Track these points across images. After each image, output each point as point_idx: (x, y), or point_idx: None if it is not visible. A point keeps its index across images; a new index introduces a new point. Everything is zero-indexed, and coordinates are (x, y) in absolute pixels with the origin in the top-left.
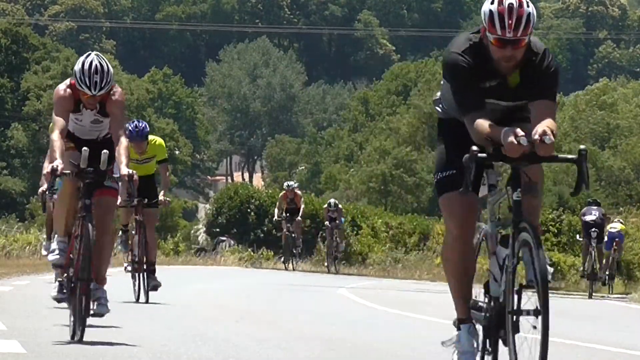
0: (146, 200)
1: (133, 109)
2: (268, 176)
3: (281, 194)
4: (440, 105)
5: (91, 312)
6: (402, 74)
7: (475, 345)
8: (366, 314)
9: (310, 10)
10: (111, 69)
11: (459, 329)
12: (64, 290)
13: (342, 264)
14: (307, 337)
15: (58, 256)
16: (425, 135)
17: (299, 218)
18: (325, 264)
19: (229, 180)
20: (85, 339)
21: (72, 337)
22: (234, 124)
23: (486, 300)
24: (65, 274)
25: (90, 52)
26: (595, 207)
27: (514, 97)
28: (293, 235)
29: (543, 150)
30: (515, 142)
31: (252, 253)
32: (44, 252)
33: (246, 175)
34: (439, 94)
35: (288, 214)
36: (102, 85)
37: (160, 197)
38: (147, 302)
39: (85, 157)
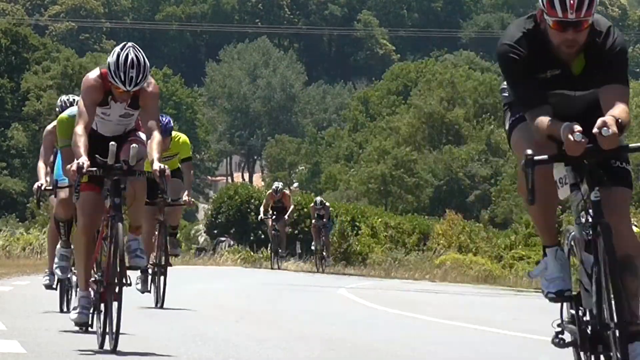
0: (169, 199)
1: None
2: (268, 176)
3: (268, 193)
4: (507, 94)
5: (127, 264)
6: (402, 73)
7: (564, 270)
8: (366, 314)
9: (310, 10)
10: (147, 63)
11: (544, 255)
12: (85, 310)
13: (342, 263)
14: (307, 337)
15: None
16: (426, 135)
17: (285, 217)
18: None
19: (229, 180)
20: (84, 338)
21: (101, 346)
22: (233, 124)
23: (580, 313)
24: (93, 279)
25: (126, 42)
26: None
27: (582, 85)
28: (278, 234)
29: (605, 143)
30: (572, 139)
31: (251, 253)
32: (45, 281)
33: (246, 175)
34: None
35: (275, 213)
36: (138, 81)
37: (185, 197)
38: (162, 307)
39: (112, 152)
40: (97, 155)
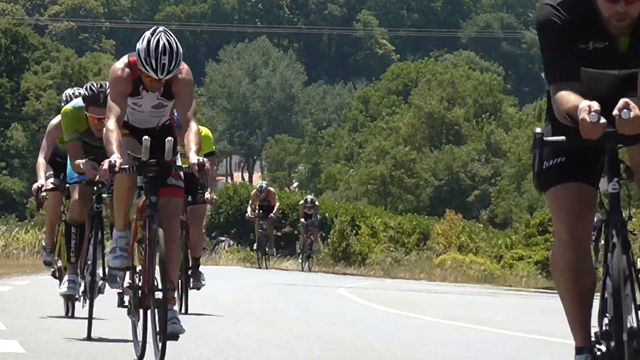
0: (190, 197)
1: None
2: (268, 176)
3: (253, 192)
4: None
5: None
6: (402, 73)
7: None
8: (366, 314)
9: (309, 10)
10: (180, 48)
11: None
12: (124, 252)
13: (341, 263)
14: (307, 337)
15: (67, 289)
16: (425, 135)
17: (271, 215)
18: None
19: (229, 180)
20: (84, 338)
21: (141, 357)
22: (233, 123)
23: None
24: (128, 284)
25: (156, 27)
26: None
27: (624, 63)
28: (265, 233)
29: (622, 127)
30: (588, 120)
31: (251, 253)
32: (45, 258)
33: (246, 175)
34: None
35: (261, 211)
36: (171, 69)
37: (207, 195)
38: (186, 312)
39: (147, 148)
40: (129, 152)
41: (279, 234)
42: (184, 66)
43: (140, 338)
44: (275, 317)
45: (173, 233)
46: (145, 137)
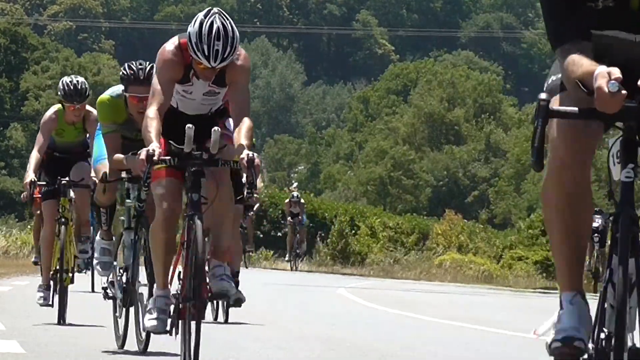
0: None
1: None
2: (267, 176)
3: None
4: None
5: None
6: (402, 73)
7: (582, 321)
8: (366, 314)
9: (309, 10)
10: (237, 33)
11: (561, 307)
12: (162, 314)
13: (340, 263)
14: (307, 337)
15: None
16: (425, 135)
17: (251, 214)
18: (286, 258)
19: None
20: (84, 338)
21: None
22: None
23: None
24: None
25: (210, 8)
26: (598, 216)
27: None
28: (246, 231)
29: None
30: (605, 89)
31: (250, 253)
32: (39, 300)
33: None
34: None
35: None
36: (225, 56)
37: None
38: (226, 321)
39: (190, 138)
40: (171, 141)
41: (279, 234)
42: (241, 51)
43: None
44: (275, 317)
45: (224, 181)
46: (189, 125)
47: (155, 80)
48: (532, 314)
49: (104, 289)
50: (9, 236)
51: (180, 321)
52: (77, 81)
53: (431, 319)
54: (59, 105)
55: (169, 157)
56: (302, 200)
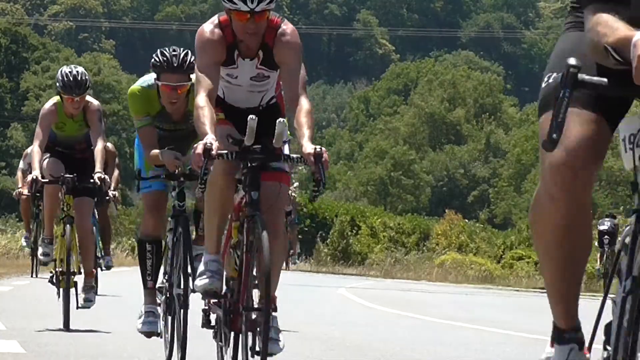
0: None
1: None
2: None
3: None
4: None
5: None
6: (402, 73)
7: None
8: (366, 314)
9: (309, 10)
10: None
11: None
12: (216, 275)
13: (341, 263)
14: (307, 337)
15: (144, 324)
16: (426, 135)
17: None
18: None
19: None
20: (85, 338)
21: None
22: None
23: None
24: (217, 300)
25: None
26: (608, 219)
27: None
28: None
29: None
30: None
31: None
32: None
33: None
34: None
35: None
36: None
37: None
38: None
39: (252, 129)
40: (229, 134)
41: None
42: (289, 25)
43: None
44: None
45: (276, 224)
46: (252, 116)
47: (198, 65)
48: (533, 314)
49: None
50: (10, 236)
51: (224, 333)
52: (77, 72)
53: (431, 319)
54: (57, 97)
55: (226, 152)
56: (298, 199)
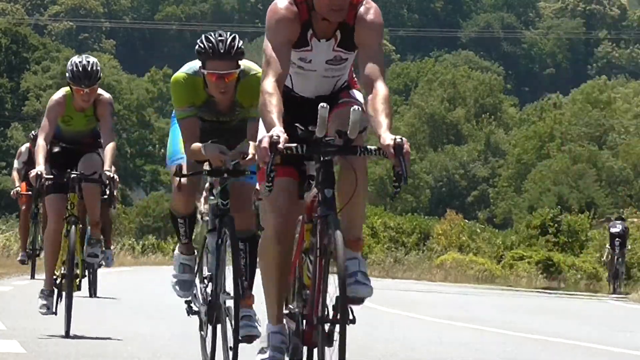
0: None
1: (133, 109)
2: None
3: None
4: None
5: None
6: (403, 73)
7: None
8: (366, 313)
9: None
10: None
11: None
12: (278, 354)
13: None
14: None
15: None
16: (426, 135)
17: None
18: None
19: None
20: (85, 338)
21: None
22: None
23: None
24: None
25: None
26: (619, 222)
27: None
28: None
29: None
30: None
31: None
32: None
33: None
34: None
35: None
36: None
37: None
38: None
39: (324, 119)
40: (297, 125)
41: None
42: (372, 4)
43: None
44: None
45: (361, 181)
46: (323, 104)
47: (267, 45)
48: (533, 314)
49: (187, 302)
50: (10, 236)
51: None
52: (88, 62)
53: (431, 319)
54: (67, 88)
55: (295, 145)
56: None
